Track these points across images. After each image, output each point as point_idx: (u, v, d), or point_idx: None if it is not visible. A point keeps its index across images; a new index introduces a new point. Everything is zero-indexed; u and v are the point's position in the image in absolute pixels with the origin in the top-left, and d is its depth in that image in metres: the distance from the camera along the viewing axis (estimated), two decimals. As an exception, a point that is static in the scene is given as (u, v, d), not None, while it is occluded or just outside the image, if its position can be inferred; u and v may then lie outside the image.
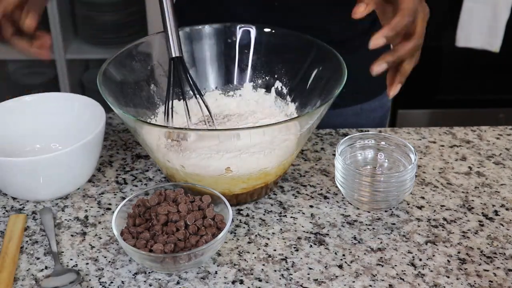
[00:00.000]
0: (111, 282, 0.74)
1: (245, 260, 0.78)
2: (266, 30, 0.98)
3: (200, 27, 0.98)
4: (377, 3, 0.74)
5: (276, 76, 0.98)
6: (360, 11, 0.73)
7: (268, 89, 0.98)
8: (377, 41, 0.72)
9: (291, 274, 0.75)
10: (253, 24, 0.98)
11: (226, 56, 0.99)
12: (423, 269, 0.76)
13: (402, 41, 0.75)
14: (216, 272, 0.76)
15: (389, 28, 0.71)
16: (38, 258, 0.78)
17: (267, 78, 0.99)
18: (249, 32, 0.98)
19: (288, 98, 0.97)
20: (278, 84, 0.98)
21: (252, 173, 0.83)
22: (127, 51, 0.93)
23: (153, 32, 0.87)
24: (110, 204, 0.87)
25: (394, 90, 0.77)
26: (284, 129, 0.81)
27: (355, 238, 0.81)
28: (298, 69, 0.96)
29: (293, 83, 0.97)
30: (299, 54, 0.96)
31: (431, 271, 0.76)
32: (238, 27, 0.98)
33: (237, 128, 0.89)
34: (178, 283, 0.74)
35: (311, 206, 0.87)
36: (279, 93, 0.98)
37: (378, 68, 0.74)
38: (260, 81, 0.99)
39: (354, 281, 0.74)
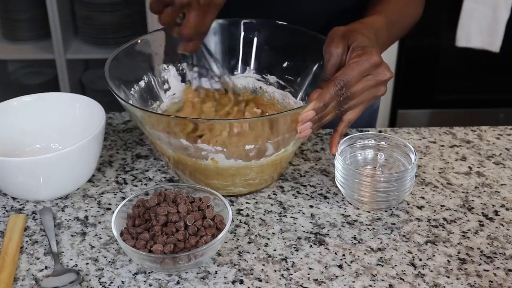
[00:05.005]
0: (111, 282, 0.74)
1: (245, 260, 0.78)
2: (269, 25, 0.98)
3: None
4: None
5: (277, 71, 0.98)
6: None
7: (270, 83, 0.99)
8: (307, 114, 0.77)
9: (291, 274, 0.75)
10: (255, 19, 0.98)
11: (230, 51, 1.00)
12: (423, 269, 0.76)
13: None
14: (216, 272, 0.76)
15: (317, 101, 0.78)
16: (38, 258, 0.78)
17: (268, 72, 0.99)
18: (252, 26, 0.99)
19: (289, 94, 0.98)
20: (278, 78, 0.98)
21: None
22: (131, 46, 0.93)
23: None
24: (110, 204, 0.87)
25: (334, 149, 0.85)
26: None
27: (355, 238, 0.81)
28: (299, 64, 0.96)
29: (294, 78, 0.97)
30: (301, 49, 0.96)
31: (431, 271, 0.76)
32: (242, 22, 0.99)
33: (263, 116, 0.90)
34: (178, 283, 0.74)
35: (311, 206, 0.87)
36: (281, 88, 0.99)
37: (302, 127, 0.79)
38: (262, 76, 1.00)
39: (354, 281, 0.74)
